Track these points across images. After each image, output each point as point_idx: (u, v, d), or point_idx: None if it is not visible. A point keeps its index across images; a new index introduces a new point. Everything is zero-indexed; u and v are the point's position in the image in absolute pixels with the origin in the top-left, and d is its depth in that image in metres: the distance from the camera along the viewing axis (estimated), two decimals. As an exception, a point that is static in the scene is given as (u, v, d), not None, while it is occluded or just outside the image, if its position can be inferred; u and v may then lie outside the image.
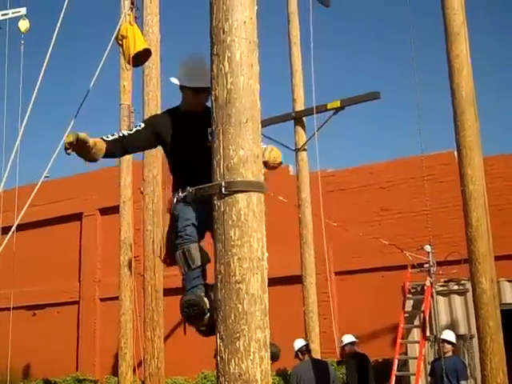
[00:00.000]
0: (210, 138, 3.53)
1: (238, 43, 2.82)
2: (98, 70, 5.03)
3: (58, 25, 4.42)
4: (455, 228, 10.79)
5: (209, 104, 3.67)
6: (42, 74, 4.30)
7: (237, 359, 2.59)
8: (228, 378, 2.59)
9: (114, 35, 5.77)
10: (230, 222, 2.69)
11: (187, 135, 3.84)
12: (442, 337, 9.35)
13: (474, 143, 5.87)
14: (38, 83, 4.37)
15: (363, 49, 34.20)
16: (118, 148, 3.74)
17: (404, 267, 11.16)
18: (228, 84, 2.79)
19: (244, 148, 2.74)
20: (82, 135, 3.40)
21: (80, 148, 3.42)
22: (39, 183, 4.90)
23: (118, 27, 5.97)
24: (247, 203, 2.71)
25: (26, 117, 4.57)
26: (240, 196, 2.70)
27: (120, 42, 6.12)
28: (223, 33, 2.84)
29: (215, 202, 2.76)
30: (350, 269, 13.80)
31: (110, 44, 5.45)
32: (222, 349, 2.62)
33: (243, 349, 2.59)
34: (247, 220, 2.69)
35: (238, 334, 2.60)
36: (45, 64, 4.30)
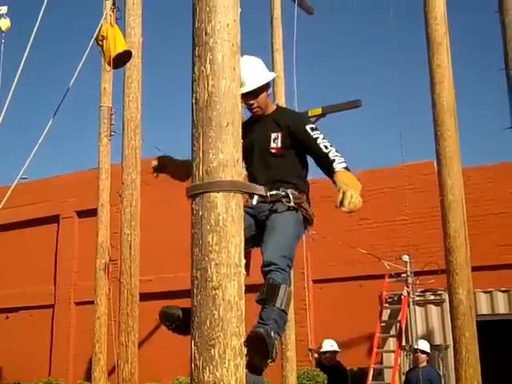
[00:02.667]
0: (272, 143, 3.74)
1: (220, 45, 2.78)
2: (78, 69, 4.98)
3: (37, 24, 4.36)
4: (433, 238, 10.84)
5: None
6: (18, 73, 4.23)
7: (211, 367, 2.54)
8: (202, 385, 2.54)
9: (95, 36, 5.72)
10: (208, 227, 2.65)
11: (246, 139, 3.90)
12: (417, 346, 9.39)
13: (453, 153, 5.88)
14: (15, 81, 4.30)
15: (346, 56, 34.39)
16: None
17: (382, 276, 11.19)
18: (209, 87, 2.75)
19: (224, 152, 2.70)
20: (156, 161, 3.91)
21: (164, 170, 3.89)
22: (13, 185, 4.82)
23: (98, 28, 5.91)
24: (226, 208, 2.67)
25: (2, 115, 4.49)
26: (219, 201, 2.66)
27: (100, 43, 6.07)
28: (205, 35, 2.80)
29: (193, 206, 2.72)
30: (328, 277, 13.79)
31: (90, 44, 5.41)
32: (197, 356, 2.57)
33: (218, 356, 2.54)
34: (225, 225, 2.65)
35: (213, 341, 2.55)
36: (22, 63, 4.24)
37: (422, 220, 12.68)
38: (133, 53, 6.91)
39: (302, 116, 4.01)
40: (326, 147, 3.58)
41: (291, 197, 3.54)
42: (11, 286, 17.25)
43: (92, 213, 12.27)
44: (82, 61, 5.03)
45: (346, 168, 3.50)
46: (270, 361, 2.99)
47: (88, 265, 12.58)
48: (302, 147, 3.70)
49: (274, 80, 4.07)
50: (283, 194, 3.54)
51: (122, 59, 6.51)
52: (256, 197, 3.46)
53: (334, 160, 3.51)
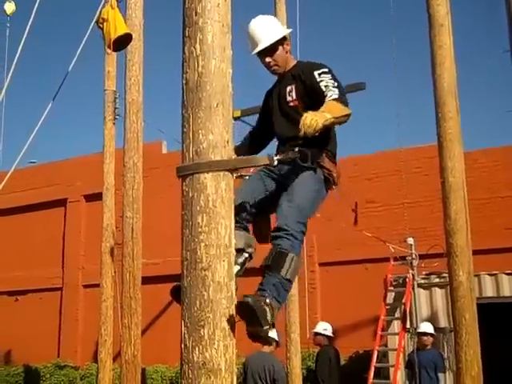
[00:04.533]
0: (287, 96, 3.64)
1: (210, 25, 2.76)
2: (78, 53, 4.98)
3: (35, 7, 4.35)
4: (438, 221, 10.76)
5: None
6: (17, 56, 4.23)
7: (201, 347, 2.55)
8: (192, 366, 2.55)
9: (95, 18, 5.70)
10: (198, 208, 2.65)
11: (270, 100, 3.84)
12: (419, 330, 9.41)
13: (454, 135, 5.83)
14: (14, 64, 4.30)
15: (350, 38, 34.13)
16: (247, 145, 3.85)
17: (387, 259, 11.18)
18: (199, 67, 2.73)
19: (214, 133, 2.69)
20: None
21: None
22: (12, 169, 4.84)
23: (99, 10, 5.89)
24: (215, 189, 2.66)
25: (2, 95, 4.50)
26: (208, 182, 2.66)
27: (101, 26, 6.05)
28: (196, 14, 2.78)
29: (183, 187, 2.72)
30: (333, 260, 13.80)
31: (91, 27, 5.39)
32: (187, 336, 2.58)
33: (208, 337, 2.55)
34: (215, 206, 2.65)
35: (202, 322, 2.56)
36: (20, 46, 4.24)
37: (427, 203, 12.63)
38: (134, 35, 6.90)
39: (314, 63, 3.68)
40: (326, 86, 3.43)
41: (309, 156, 3.38)
42: (20, 269, 17.38)
43: (99, 196, 12.30)
44: (82, 44, 5.03)
45: (336, 99, 3.33)
46: (266, 327, 2.92)
47: (95, 248, 12.63)
48: (312, 94, 3.51)
49: (289, 35, 3.88)
50: (296, 153, 3.35)
51: (123, 42, 6.51)
52: (275, 158, 3.20)
53: (326, 95, 3.38)
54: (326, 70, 3.54)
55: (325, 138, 3.45)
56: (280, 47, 3.69)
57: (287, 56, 3.74)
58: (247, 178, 3.61)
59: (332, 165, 3.55)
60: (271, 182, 3.57)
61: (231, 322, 2.59)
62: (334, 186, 3.61)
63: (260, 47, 3.65)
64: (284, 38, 3.71)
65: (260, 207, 3.52)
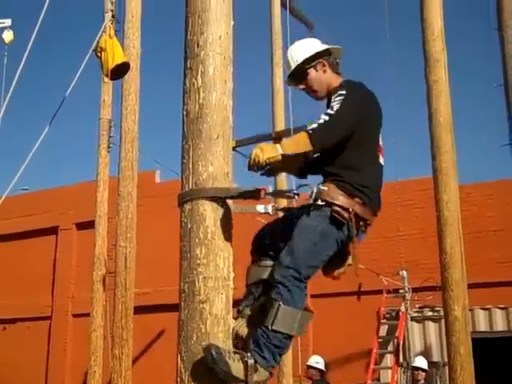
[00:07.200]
0: None
1: (212, 58, 2.78)
2: (75, 79, 4.99)
3: (34, 34, 4.37)
4: (432, 254, 10.75)
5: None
6: (13, 84, 4.24)
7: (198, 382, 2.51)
8: (188, 401, 2.51)
9: (93, 47, 5.74)
10: (197, 240, 2.63)
11: None
12: (413, 364, 9.33)
13: (449, 169, 5.86)
14: (10, 92, 4.31)
15: (348, 67, 34.39)
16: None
17: (380, 292, 11.13)
18: (200, 99, 2.75)
19: (214, 164, 2.69)
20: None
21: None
22: (4, 194, 4.81)
23: (97, 39, 5.94)
24: (214, 221, 2.65)
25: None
26: (207, 214, 2.64)
27: (98, 55, 6.10)
28: (197, 47, 2.80)
29: (182, 218, 2.70)
30: (325, 292, 13.71)
31: (88, 55, 5.42)
32: (183, 370, 2.54)
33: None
34: (214, 238, 2.63)
35: (199, 356, 2.52)
36: (18, 72, 4.25)
37: (421, 236, 12.62)
38: (131, 65, 6.93)
39: (342, 85, 3.21)
40: (319, 117, 2.99)
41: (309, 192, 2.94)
42: (9, 297, 17.16)
43: (91, 225, 12.24)
44: (79, 71, 5.05)
45: (308, 130, 2.89)
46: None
47: (86, 277, 12.51)
48: None
49: (328, 52, 3.37)
50: (290, 190, 2.96)
51: (121, 71, 6.54)
52: (263, 193, 2.80)
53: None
54: (343, 92, 3.09)
55: (342, 169, 3.05)
56: (311, 70, 3.31)
57: (327, 76, 3.33)
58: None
59: (349, 201, 3.11)
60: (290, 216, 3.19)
61: None
62: (361, 224, 3.25)
63: (287, 75, 3.41)
64: (313, 59, 3.30)
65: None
